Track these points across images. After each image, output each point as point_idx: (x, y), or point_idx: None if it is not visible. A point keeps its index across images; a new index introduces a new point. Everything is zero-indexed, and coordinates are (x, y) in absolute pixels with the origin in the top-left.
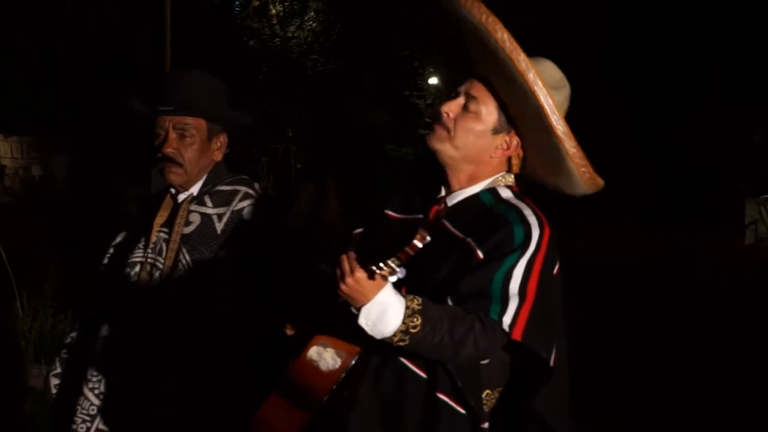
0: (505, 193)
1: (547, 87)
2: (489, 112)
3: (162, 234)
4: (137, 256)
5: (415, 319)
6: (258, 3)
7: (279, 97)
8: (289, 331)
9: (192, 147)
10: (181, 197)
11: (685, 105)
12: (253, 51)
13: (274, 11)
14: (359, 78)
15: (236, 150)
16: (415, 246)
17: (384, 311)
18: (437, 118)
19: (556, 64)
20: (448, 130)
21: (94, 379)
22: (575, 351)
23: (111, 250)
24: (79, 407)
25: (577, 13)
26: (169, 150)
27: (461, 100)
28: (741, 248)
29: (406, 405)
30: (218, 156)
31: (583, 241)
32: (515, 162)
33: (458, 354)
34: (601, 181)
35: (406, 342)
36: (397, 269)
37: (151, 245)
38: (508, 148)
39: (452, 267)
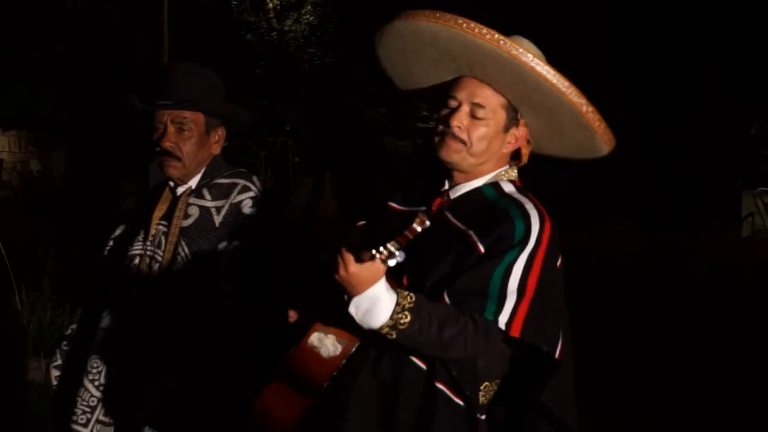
0: (508, 188)
1: (540, 58)
2: (498, 113)
3: (161, 227)
4: (136, 248)
5: (404, 316)
6: None
7: (276, 90)
8: (291, 318)
9: (190, 141)
10: (180, 190)
11: (683, 100)
12: (250, 45)
13: (271, 5)
14: (356, 71)
15: (234, 144)
16: (414, 230)
17: (373, 304)
18: (446, 131)
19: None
20: (464, 142)
21: (95, 370)
22: (575, 347)
23: (110, 243)
24: (79, 399)
25: (577, 13)
26: (167, 144)
27: (467, 108)
28: (738, 241)
29: (404, 394)
30: (216, 149)
31: (581, 236)
32: (525, 152)
33: (446, 353)
34: (613, 138)
35: (393, 336)
36: (396, 253)
37: (150, 238)
38: (517, 140)
39: (453, 259)
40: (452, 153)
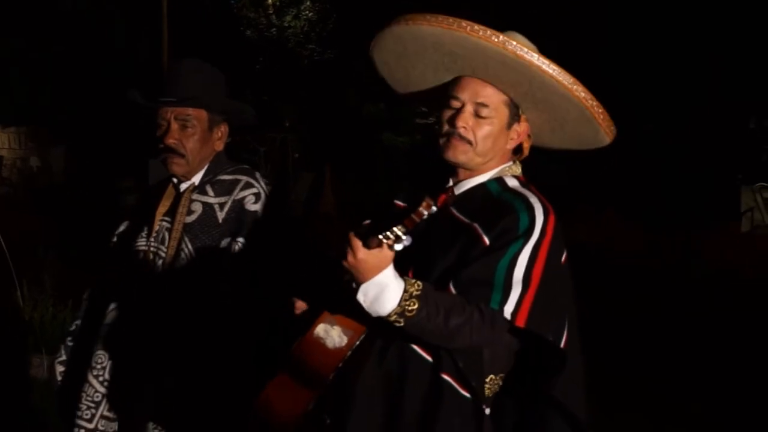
0: (512, 182)
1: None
2: (500, 111)
3: (164, 223)
4: (140, 244)
5: (411, 303)
6: None
7: (276, 86)
8: (298, 309)
9: (193, 137)
10: (183, 187)
11: (682, 96)
12: (249, 41)
13: (270, 1)
14: (355, 67)
15: (233, 140)
16: (421, 213)
17: (382, 291)
18: (451, 132)
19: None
20: (470, 142)
21: (99, 366)
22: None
23: (114, 239)
24: (83, 394)
25: (576, 10)
26: (171, 141)
27: (470, 108)
28: (737, 236)
29: (410, 385)
30: (219, 146)
31: (579, 228)
32: (526, 146)
33: (452, 342)
34: (614, 128)
35: (401, 323)
36: (404, 237)
37: (154, 234)
38: (519, 135)
39: (459, 252)
40: (459, 154)
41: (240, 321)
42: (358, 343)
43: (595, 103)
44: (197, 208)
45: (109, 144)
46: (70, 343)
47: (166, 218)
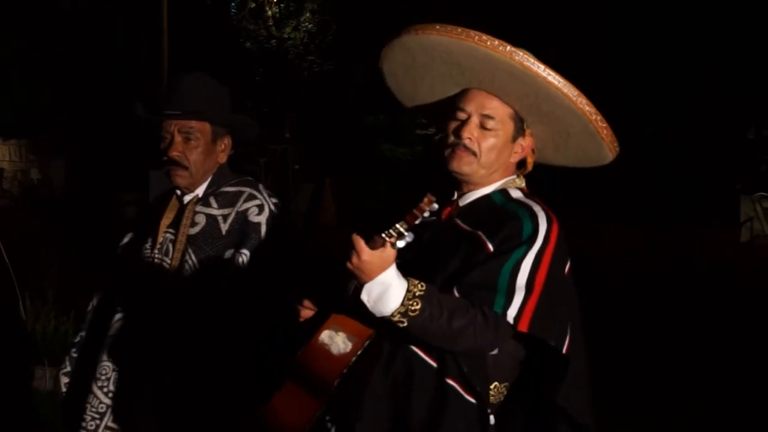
0: (516, 194)
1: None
2: (505, 124)
3: (168, 235)
4: (144, 256)
5: (414, 303)
6: (254, 5)
7: (276, 98)
8: (303, 316)
9: (197, 150)
10: (187, 199)
11: (681, 105)
12: (249, 52)
13: (270, 13)
14: (355, 78)
15: (236, 152)
16: (422, 208)
17: (385, 290)
18: (456, 142)
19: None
20: (475, 153)
21: (103, 377)
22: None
23: (118, 251)
24: (88, 405)
25: (577, 17)
26: (174, 153)
27: (476, 119)
28: (737, 245)
29: (416, 391)
30: (222, 158)
31: (581, 239)
32: (530, 160)
33: (455, 344)
34: (618, 144)
35: (405, 324)
36: (406, 233)
37: (158, 246)
38: (524, 150)
39: (463, 258)
40: (464, 165)
41: (239, 320)
42: (362, 349)
43: (599, 117)
44: (201, 219)
45: (110, 156)
46: (74, 355)
47: (170, 230)
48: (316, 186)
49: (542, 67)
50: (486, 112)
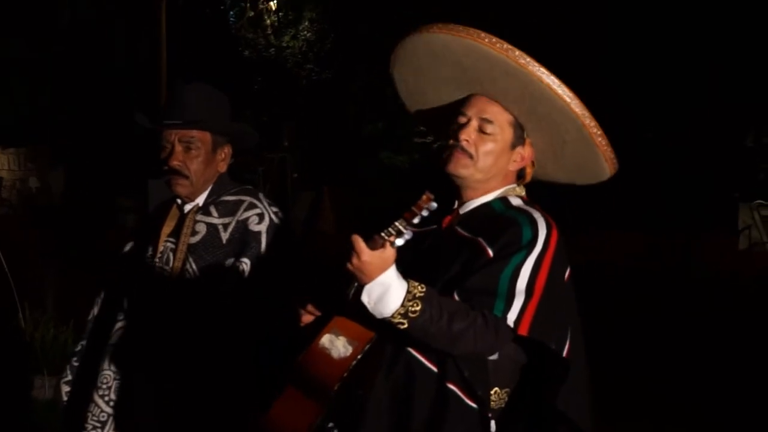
0: (516, 201)
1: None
2: (505, 130)
3: (169, 244)
4: (145, 265)
5: (415, 305)
6: (253, 13)
7: (274, 106)
8: (304, 320)
9: (197, 159)
10: (187, 208)
11: (678, 113)
12: (248, 61)
13: (268, 21)
14: (353, 87)
15: (236, 161)
16: (421, 206)
17: (385, 291)
18: (454, 145)
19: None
20: (471, 156)
21: (104, 386)
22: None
23: (119, 260)
24: (89, 414)
25: (577, 21)
26: (175, 163)
27: (475, 123)
28: (735, 253)
29: (417, 395)
30: (223, 167)
31: (581, 245)
32: (529, 171)
33: (455, 347)
34: (615, 158)
35: (405, 325)
36: (404, 231)
37: (159, 254)
38: (523, 159)
39: (463, 265)
40: (460, 167)
41: (240, 327)
42: (363, 353)
43: (593, 123)
44: (201, 228)
45: (109, 164)
46: (75, 363)
47: (171, 239)
48: (315, 194)
49: (537, 65)
50: (485, 116)
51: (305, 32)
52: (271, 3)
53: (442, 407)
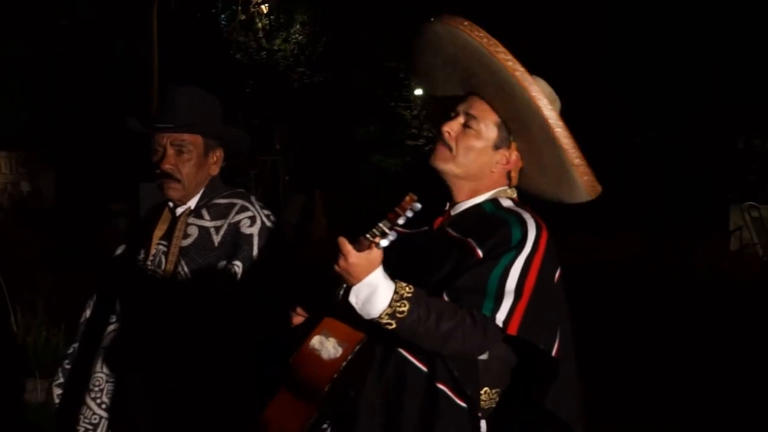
0: (506, 203)
1: (550, 101)
2: (489, 129)
3: (161, 246)
4: (137, 267)
5: (402, 305)
6: (244, 16)
7: (266, 109)
8: (295, 321)
9: (189, 163)
10: (179, 211)
11: (671, 116)
12: (239, 64)
13: (260, 24)
14: (345, 90)
15: (228, 164)
16: (404, 207)
17: (373, 292)
18: (438, 138)
19: (556, 70)
20: (451, 149)
21: (96, 389)
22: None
23: (111, 263)
24: (81, 417)
25: (578, 23)
26: (167, 166)
27: (461, 119)
28: (726, 254)
29: (407, 396)
30: (215, 170)
31: (574, 246)
32: (514, 175)
33: (444, 347)
34: (599, 188)
35: (393, 326)
36: (388, 231)
37: (151, 257)
38: (508, 162)
39: (453, 265)
40: (440, 161)
41: (233, 329)
42: (353, 354)
43: (560, 124)
44: (193, 231)
45: (100, 167)
46: (67, 366)
47: (163, 242)
48: (307, 197)
49: (510, 57)
50: (471, 112)
51: (297, 35)
52: (263, 6)
53: (433, 407)
